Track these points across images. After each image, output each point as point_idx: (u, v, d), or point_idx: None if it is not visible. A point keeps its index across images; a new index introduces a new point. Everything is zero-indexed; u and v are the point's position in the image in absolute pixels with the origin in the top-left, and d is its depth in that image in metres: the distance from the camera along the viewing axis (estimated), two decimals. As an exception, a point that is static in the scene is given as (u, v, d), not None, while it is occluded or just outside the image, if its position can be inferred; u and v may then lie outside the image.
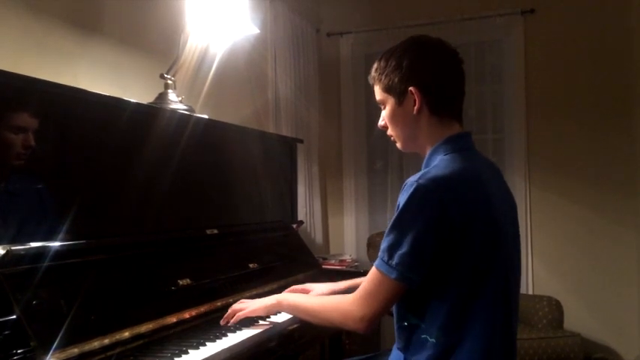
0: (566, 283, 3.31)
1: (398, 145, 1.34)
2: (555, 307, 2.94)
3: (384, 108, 1.31)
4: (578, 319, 3.12)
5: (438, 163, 1.20)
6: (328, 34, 3.83)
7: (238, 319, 1.44)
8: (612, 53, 3.26)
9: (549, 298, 2.98)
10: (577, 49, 3.33)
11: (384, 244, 1.16)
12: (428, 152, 1.27)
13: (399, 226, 1.13)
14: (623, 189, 3.23)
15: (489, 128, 3.51)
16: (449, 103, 1.27)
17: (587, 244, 3.29)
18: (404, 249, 1.12)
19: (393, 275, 1.13)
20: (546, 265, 3.38)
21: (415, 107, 1.24)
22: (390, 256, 1.13)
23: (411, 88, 1.23)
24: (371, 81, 1.34)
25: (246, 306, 1.46)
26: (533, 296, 3.12)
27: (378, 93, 1.31)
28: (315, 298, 1.40)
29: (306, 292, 1.67)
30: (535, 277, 3.37)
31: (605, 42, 3.27)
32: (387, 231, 1.16)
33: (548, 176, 3.39)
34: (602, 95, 3.28)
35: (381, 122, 1.34)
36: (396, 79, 1.25)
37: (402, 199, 1.14)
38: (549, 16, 3.39)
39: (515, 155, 3.45)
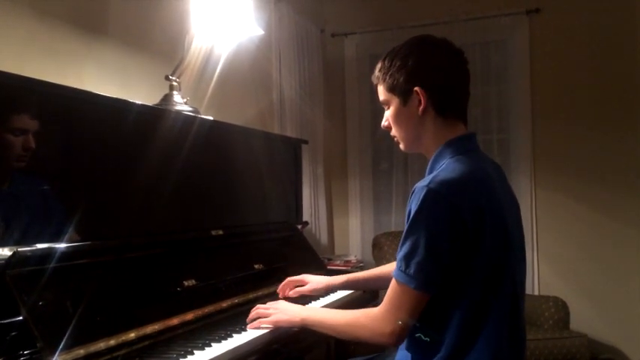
0: (572, 283, 3.30)
1: (401, 146, 1.33)
2: (561, 308, 2.92)
3: (388, 108, 1.31)
4: (585, 320, 3.10)
5: (446, 166, 1.19)
6: (333, 35, 3.82)
7: (260, 324, 1.42)
8: (618, 53, 3.24)
9: (555, 299, 2.97)
10: (582, 48, 3.32)
11: (400, 253, 1.14)
12: (433, 154, 1.26)
13: (413, 233, 1.12)
14: (629, 189, 3.21)
15: (494, 128, 3.49)
16: (454, 104, 1.26)
17: (593, 244, 3.28)
18: (420, 256, 1.10)
19: (413, 285, 1.11)
20: (552, 265, 3.36)
21: (420, 108, 1.23)
22: (407, 265, 1.12)
23: (415, 88, 1.22)
24: (375, 81, 1.32)
25: (272, 313, 1.42)
26: (539, 297, 3.10)
27: (382, 93, 1.30)
28: (340, 314, 1.34)
29: (303, 283, 1.69)
30: (541, 277, 3.36)
31: (610, 41, 3.26)
32: (401, 239, 1.14)
33: (553, 176, 3.38)
34: (608, 95, 3.27)
35: (384, 123, 1.33)
36: (401, 79, 1.24)
37: (412, 205, 1.13)
38: (555, 15, 3.37)
39: (520, 155, 3.43)
